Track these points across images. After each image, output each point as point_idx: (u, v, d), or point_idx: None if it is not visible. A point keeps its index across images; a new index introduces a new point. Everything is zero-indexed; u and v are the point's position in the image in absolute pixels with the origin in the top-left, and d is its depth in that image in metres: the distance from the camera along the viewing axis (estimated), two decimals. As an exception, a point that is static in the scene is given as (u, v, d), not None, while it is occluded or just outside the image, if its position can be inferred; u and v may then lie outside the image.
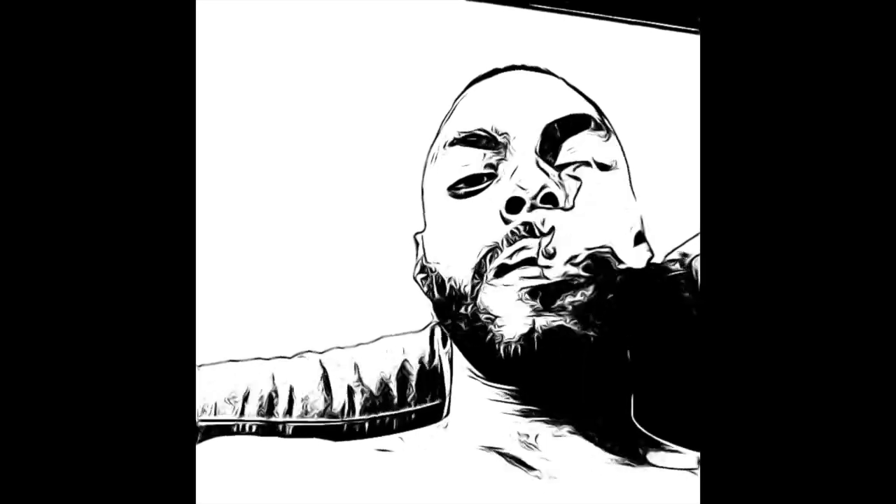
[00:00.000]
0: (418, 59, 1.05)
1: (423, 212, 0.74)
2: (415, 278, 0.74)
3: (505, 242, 0.65)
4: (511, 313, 0.63)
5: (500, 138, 0.69)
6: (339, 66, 1.06)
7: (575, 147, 0.69)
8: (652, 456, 0.67)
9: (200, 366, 0.77)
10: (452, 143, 0.71)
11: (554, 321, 0.63)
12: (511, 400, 0.67)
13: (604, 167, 0.69)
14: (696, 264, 0.81)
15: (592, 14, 0.97)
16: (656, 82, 1.01)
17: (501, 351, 0.63)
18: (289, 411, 0.78)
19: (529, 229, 0.64)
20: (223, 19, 1.03)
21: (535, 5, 1.00)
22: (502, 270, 0.65)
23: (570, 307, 0.63)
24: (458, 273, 0.67)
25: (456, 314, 0.67)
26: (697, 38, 0.73)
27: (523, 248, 0.64)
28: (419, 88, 1.02)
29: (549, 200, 0.65)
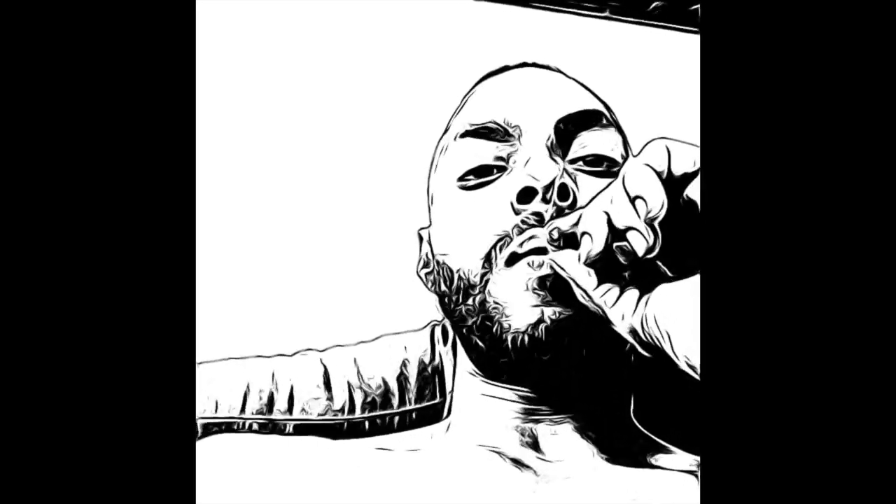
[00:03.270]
0: (423, 58, 1.05)
1: (429, 207, 0.74)
2: (418, 274, 0.74)
3: (515, 231, 0.65)
4: (519, 302, 0.64)
5: (511, 131, 0.69)
6: (341, 64, 1.06)
7: (586, 142, 0.69)
8: (651, 456, 0.67)
9: (200, 363, 0.77)
10: (464, 135, 0.71)
11: (562, 312, 0.63)
12: (512, 399, 0.67)
13: (613, 163, 0.69)
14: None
15: (593, 14, 0.97)
16: (656, 82, 1.01)
17: (509, 341, 0.63)
18: (289, 409, 0.78)
19: (539, 219, 0.64)
20: (223, 19, 1.03)
21: (539, 5, 1.00)
22: (512, 259, 0.65)
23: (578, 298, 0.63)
24: (468, 263, 0.67)
25: (464, 305, 0.67)
26: (697, 38, 0.73)
27: (533, 237, 0.64)
28: (422, 87, 1.02)
29: (561, 192, 0.65)
